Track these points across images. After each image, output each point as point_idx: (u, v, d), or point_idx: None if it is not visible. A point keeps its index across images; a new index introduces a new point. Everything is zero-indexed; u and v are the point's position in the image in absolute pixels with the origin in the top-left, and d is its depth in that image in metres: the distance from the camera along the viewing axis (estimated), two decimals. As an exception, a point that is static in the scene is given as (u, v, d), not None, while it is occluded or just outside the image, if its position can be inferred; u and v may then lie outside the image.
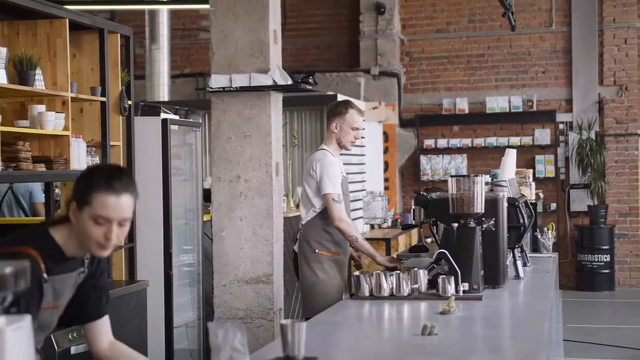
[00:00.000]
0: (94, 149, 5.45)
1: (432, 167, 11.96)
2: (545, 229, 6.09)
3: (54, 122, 4.96)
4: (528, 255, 5.22)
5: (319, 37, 12.66)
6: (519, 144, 11.59)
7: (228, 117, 5.10)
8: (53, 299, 2.62)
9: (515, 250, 4.72)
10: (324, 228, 4.99)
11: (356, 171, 9.60)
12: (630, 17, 11.69)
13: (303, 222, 5.08)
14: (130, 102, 5.81)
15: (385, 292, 3.91)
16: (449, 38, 12.19)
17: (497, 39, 12.06)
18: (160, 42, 10.90)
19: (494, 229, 4.22)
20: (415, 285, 3.94)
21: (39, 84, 4.94)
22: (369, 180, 10.23)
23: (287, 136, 8.78)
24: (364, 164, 10.00)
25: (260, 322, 5.06)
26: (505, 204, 4.40)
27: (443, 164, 11.93)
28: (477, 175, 4.11)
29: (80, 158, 5.18)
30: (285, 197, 7.84)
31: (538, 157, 11.72)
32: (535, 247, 6.15)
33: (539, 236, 6.03)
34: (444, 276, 3.90)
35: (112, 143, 5.58)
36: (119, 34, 5.80)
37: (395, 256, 5.34)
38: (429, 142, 12.02)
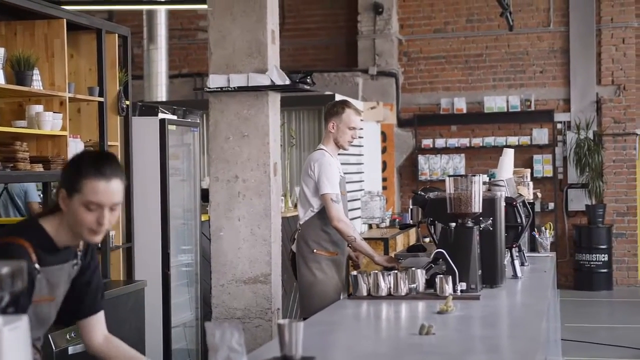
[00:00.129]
0: (92, 149, 5.45)
1: (430, 166, 11.97)
2: (543, 228, 6.10)
3: (51, 123, 4.96)
4: (526, 254, 5.22)
5: (317, 37, 12.66)
6: (517, 143, 11.60)
7: (226, 117, 5.09)
8: (48, 291, 2.62)
9: (513, 249, 4.72)
10: (322, 228, 4.99)
11: (354, 171, 9.60)
12: (628, 17, 11.70)
13: (301, 222, 5.08)
14: (128, 102, 5.81)
15: (383, 291, 3.91)
16: (447, 38, 12.20)
17: (495, 38, 12.07)
18: (158, 42, 10.90)
19: (491, 228, 4.22)
20: (412, 285, 3.94)
21: (37, 84, 4.94)
22: (367, 180, 10.23)
23: (285, 136, 8.78)
24: (362, 163, 10.01)
25: (259, 322, 5.06)
26: (503, 204, 4.40)
27: (441, 163, 11.94)
28: (474, 175, 4.11)
29: (78, 158, 5.17)
30: (283, 197, 7.84)
31: (536, 157, 11.73)
32: (533, 246, 6.16)
33: (537, 236, 6.03)
34: (441, 276, 3.90)
35: (109, 143, 5.58)
36: (116, 34, 5.80)
37: (393, 256, 5.34)
38: (427, 142, 12.03)
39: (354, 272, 4.04)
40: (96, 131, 5.48)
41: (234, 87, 5.00)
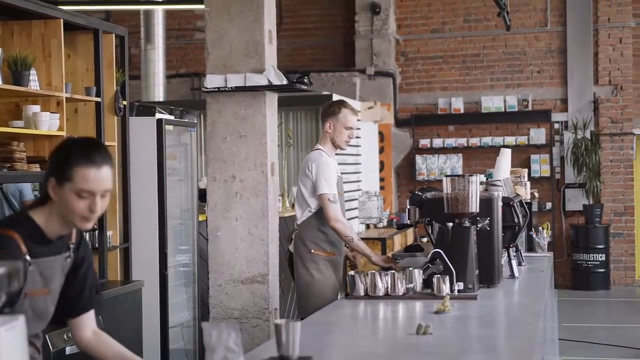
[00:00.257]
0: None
1: (428, 166, 11.97)
2: (541, 228, 6.10)
3: (48, 123, 4.96)
4: (523, 254, 5.22)
5: (314, 37, 12.66)
6: (514, 143, 11.61)
7: (223, 117, 5.10)
8: (42, 283, 2.61)
9: (510, 249, 4.72)
10: (319, 228, 4.99)
11: (352, 171, 9.60)
12: (625, 17, 11.71)
13: (298, 222, 5.08)
14: (125, 103, 5.81)
15: (380, 291, 3.91)
16: (444, 38, 12.20)
17: (492, 38, 12.08)
18: (156, 42, 10.90)
19: (488, 228, 4.22)
20: (410, 285, 3.94)
21: (34, 84, 4.94)
22: (364, 180, 10.23)
23: (283, 136, 8.78)
24: (360, 163, 10.01)
25: (256, 322, 5.06)
26: (500, 204, 4.40)
27: (438, 163, 11.95)
28: (471, 175, 4.12)
29: (75, 158, 5.17)
30: (280, 197, 7.84)
31: (533, 157, 11.74)
32: (531, 246, 6.16)
33: (534, 235, 6.04)
34: (438, 276, 3.91)
35: (107, 143, 5.58)
36: (113, 34, 5.80)
37: (390, 256, 5.34)
38: (424, 142, 12.03)
39: (352, 272, 4.04)
40: (93, 131, 5.48)
41: (231, 87, 5.00)
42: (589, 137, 11.53)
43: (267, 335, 4.92)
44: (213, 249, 5.12)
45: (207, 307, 5.28)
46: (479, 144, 11.87)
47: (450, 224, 4.05)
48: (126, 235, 5.82)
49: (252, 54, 5.03)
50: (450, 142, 11.94)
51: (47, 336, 4.28)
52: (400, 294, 3.90)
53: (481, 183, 4.45)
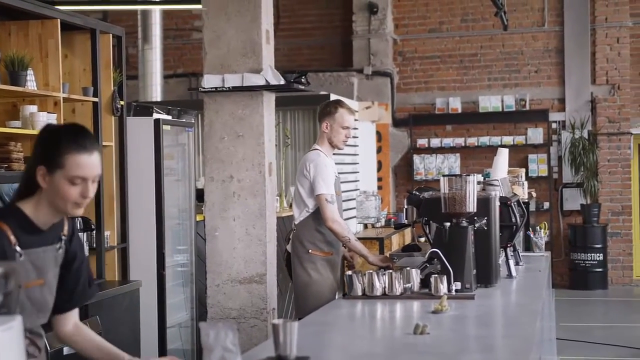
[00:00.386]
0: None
1: (426, 166, 11.97)
2: (538, 228, 6.10)
3: (45, 123, 4.95)
4: (520, 254, 5.22)
5: (312, 37, 12.66)
6: (512, 143, 11.61)
7: (221, 117, 5.10)
8: (36, 275, 2.60)
9: (508, 249, 4.72)
10: (316, 228, 5.00)
11: (349, 171, 9.60)
12: (622, 17, 11.72)
13: (296, 222, 5.08)
14: (122, 103, 5.81)
15: (378, 291, 3.91)
16: (442, 38, 12.20)
17: (489, 38, 12.09)
18: (153, 42, 10.89)
19: (486, 228, 4.22)
20: (407, 285, 3.94)
21: (31, 84, 4.94)
22: (362, 179, 10.23)
23: (280, 136, 8.78)
24: (357, 163, 10.01)
25: (254, 322, 5.06)
26: (498, 203, 4.40)
27: (436, 163, 11.95)
28: (469, 175, 4.11)
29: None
30: (278, 197, 7.84)
31: (531, 156, 11.74)
32: (528, 246, 6.16)
33: (532, 235, 6.04)
34: (436, 275, 3.91)
35: (104, 143, 5.58)
36: (111, 34, 5.79)
37: (387, 255, 5.35)
38: (422, 142, 12.03)
39: (349, 272, 4.04)
40: (91, 131, 5.47)
41: (229, 87, 5.00)
42: (587, 137, 11.54)
43: (265, 335, 4.93)
44: (211, 249, 5.12)
45: (205, 307, 5.28)
46: (476, 144, 11.87)
47: (448, 224, 4.05)
48: (124, 236, 5.82)
49: (249, 54, 5.03)
50: (448, 141, 11.95)
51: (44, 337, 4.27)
52: (398, 293, 3.90)
53: (478, 183, 4.45)
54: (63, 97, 5.16)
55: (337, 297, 4.94)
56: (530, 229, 6.23)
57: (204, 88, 5.06)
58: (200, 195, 5.85)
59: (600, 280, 11.40)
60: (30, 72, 4.94)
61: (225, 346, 2.26)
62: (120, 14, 12.37)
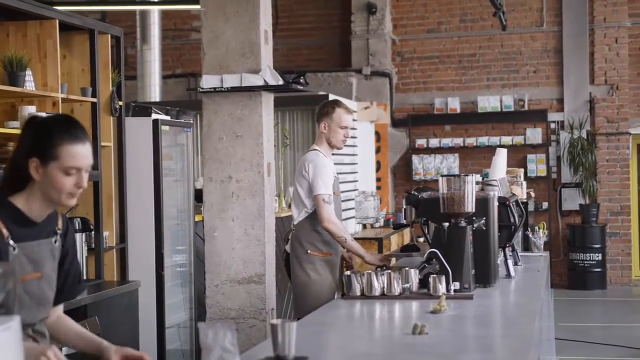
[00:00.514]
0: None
1: (424, 166, 11.98)
2: (537, 228, 6.10)
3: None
4: (519, 254, 5.22)
5: (310, 37, 12.66)
6: (510, 143, 11.61)
7: (219, 117, 5.10)
8: (32, 268, 2.60)
9: (506, 249, 4.72)
10: (315, 229, 5.00)
11: (348, 171, 9.60)
12: (621, 17, 11.73)
13: (295, 223, 5.08)
14: (121, 103, 5.81)
15: (377, 291, 3.91)
16: (441, 38, 12.21)
17: (488, 38, 12.09)
18: (152, 43, 10.89)
19: (484, 228, 4.22)
20: (406, 285, 3.94)
21: (29, 84, 4.94)
22: (361, 180, 10.24)
23: (279, 136, 8.78)
24: (356, 163, 10.01)
25: (253, 322, 5.07)
26: (496, 203, 4.41)
27: (435, 163, 11.95)
28: (467, 175, 4.12)
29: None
30: (277, 198, 7.84)
31: (530, 156, 11.75)
32: (527, 246, 6.17)
33: (530, 235, 6.04)
34: (435, 275, 3.91)
35: (103, 144, 5.58)
36: (109, 35, 5.79)
37: (385, 254, 5.35)
38: (420, 142, 12.04)
39: (348, 272, 4.04)
40: (89, 132, 5.47)
41: (228, 88, 5.01)
42: (585, 137, 11.54)
43: (264, 335, 4.93)
44: (209, 249, 5.12)
45: (204, 308, 5.28)
46: (475, 144, 11.88)
47: (447, 224, 4.05)
48: (122, 236, 5.81)
49: (248, 54, 5.03)
50: (447, 142, 11.95)
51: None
52: (397, 293, 3.90)
53: (477, 183, 4.45)
54: (61, 98, 5.16)
55: (335, 297, 4.95)
56: (529, 229, 6.24)
57: (202, 88, 5.06)
58: (199, 195, 5.85)
59: (599, 280, 11.40)
60: (28, 72, 4.93)
61: (224, 346, 2.26)
62: (119, 15, 12.37)
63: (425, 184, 10.99)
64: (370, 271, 4.00)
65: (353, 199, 9.56)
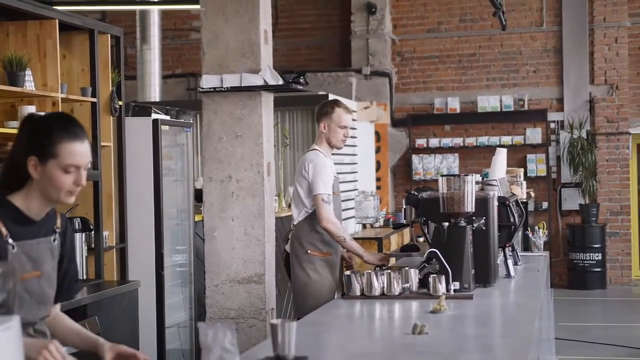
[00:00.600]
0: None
1: (424, 166, 11.98)
2: (537, 227, 6.10)
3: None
4: (519, 254, 5.22)
5: (310, 37, 12.66)
6: (510, 143, 11.61)
7: (219, 117, 5.10)
8: (32, 266, 2.60)
9: (506, 249, 4.72)
10: (315, 228, 5.00)
11: (348, 171, 9.60)
12: (621, 16, 11.73)
13: (295, 223, 5.08)
14: (121, 103, 5.81)
15: (376, 291, 3.91)
16: (440, 38, 12.21)
17: (488, 38, 12.09)
18: (152, 43, 10.89)
19: (484, 228, 4.22)
20: (406, 285, 3.94)
21: (29, 84, 4.94)
22: (360, 179, 10.24)
23: (279, 136, 8.78)
24: (356, 163, 10.01)
25: (253, 321, 5.07)
26: (496, 203, 4.41)
27: (435, 163, 11.95)
28: (467, 175, 4.12)
29: (71, 159, 5.17)
30: (277, 197, 7.84)
31: (529, 156, 11.75)
32: (527, 245, 6.17)
33: (530, 235, 6.04)
34: (434, 275, 3.91)
35: (102, 144, 5.57)
36: (109, 35, 5.79)
37: (384, 253, 5.35)
38: (420, 142, 12.04)
39: (347, 272, 4.04)
40: (89, 132, 5.47)
41: (227, 88, 5.01)
42: (585, 137, 11.54)
43: (264, 335, 4.93)
44: (209, 249, 5.12)
45: (204, 307, 5.28)
46: (475, 144, 11.88)
47: (446, 224, 4.05)
48: (122, 236, 5.81)
49: (247, 54, 5.03)
50: (447, 141, 11.95)
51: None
52: (396, 293, 3.90)
53: (477, 183, 4.45)
54: (61, 98, 5.16)
55: (335, 297, 4.94)
56: (529, 228, 6.24)
57: (202, 88, 5.06)
58: (199, 195, 5.85)
59: (598, 280, 11.40)
60: (28, 72, 4.93)
61: (223, 346, 2.26)
62: (119, 14, 12.37)
63: (425, 184, 10.99)
64: (370, 271, 4.00)
65: (353, 199, 9.56)
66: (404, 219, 4.98)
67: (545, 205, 11.69)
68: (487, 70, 12.11)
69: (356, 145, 9.95)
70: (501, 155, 5.50)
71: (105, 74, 5.66)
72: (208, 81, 5.03)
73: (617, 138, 11.72)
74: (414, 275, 3.98)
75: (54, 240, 2.69)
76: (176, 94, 12.02)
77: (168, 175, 6.32)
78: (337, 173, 5.25)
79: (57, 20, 5.15)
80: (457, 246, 4.02)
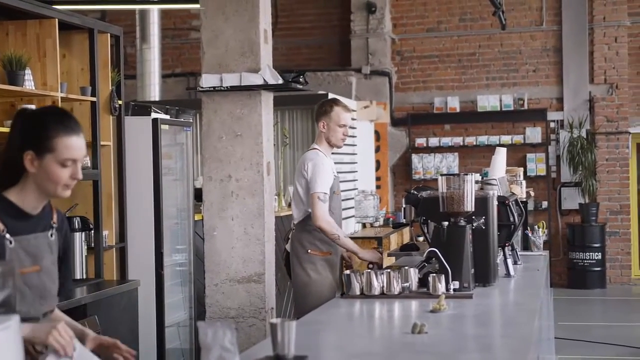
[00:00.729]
0: (86, 150, 5.44)
1: (424, 165, 11.98)
2: (536, 227, 6.10)
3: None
4: (519, 253, 5.22)
5: (310, 37, 12.66)
6: (510, 142, 11.61)
7: (219, 116, 5.10)
8: (31, 261, 2.61)
9: (506, 248, 4.72)
10: (315, 228, 4.99)
11: (348, 170, 9.60)
12: (620, 16, 11.73)
13: (295, 222, 5.08)
14: (120, 102, 5.81)
15: (376, 290, 3.91)
16: (440, 37, 12.21)
17: (487, 37, 12.09)
18: (151, 42, 10.89)
19: (484, 227, 4.22)
20: (405, 284, 3.94)
21: (29, 84, 4.94)
22: (360, 179, 10.24)
23: (279, 135, 8.78)
24: (356, 162, 10.01)
25: (252, 321, 5.07)
26: (496, 202, 4.41)
27: (435, 162, 11.95)
28: (467, 174, 4.12)
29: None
30: (276, 197, 7.84)
31: (529, 156, 11.75)
32: (526, 245, 6.17)
33: (530, 234, 6.04)
34: (434, 274, 3.91)
35: (102, 143, 5.57)
36: (109, 34, 5.79)
37: (386, 254, 5.35)
38: (420, 141, 12.04)
39: (347, 272, 4.04)
40: (89, 131, 5.47)
41: (227, 87, 5.01)
42: (585, 136, 11.54)
43: (264, 334, 4.93)
44: (209, 248, 5.12)
45: (204, 307, 5.28)
46: (475, 143, 11.88)
47: (446, 223, 4.05)
48: (122, 235, 5.81)
49: (247, 53, 5.04)
50: (446, 141, 11.95)
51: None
52: (396, 293, 3.90)
53: (477, 182, 4.45)
54: (61, 97, 5.16)
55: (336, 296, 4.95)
56: (529, 228, 6.24)
57: (202, 87, 5.06)
58: (198, 194, 5.85)
59: (598, 279, 11.40)
60: (28, 71, 4.93)
61: (223, 345, 2.26)
62: (119, 14, 12.36)
63: (425, 183, 10.98)
64: (369, 270, 4.01)
65: (353, 198, 9.56)
66: (404, 218, 5.00)
67: (544, 204, 11.69)
68: (487, 69, 12.11)
69: (356, 145, 9.95)
70: (501, 155, 5.51)
71: (104, 73, 5.66)
72: (208, 80, 5.03)
73: (616, 137, 11.72)
74: (414, 275, 3.98)
75: (52, 236, 2.70)
76: (176, 93, 12.02)
77: (168, 174, 6.32)
78: (337, 172, 5.25)
79: (56, 20, 5.15)
80: (457, 245, 4.02)
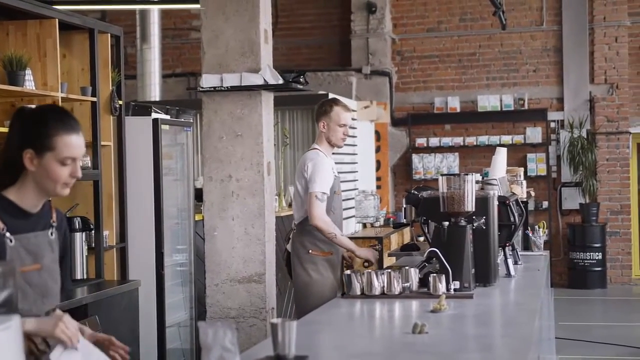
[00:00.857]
0: (85, 149, 5.44)
1: (424, 165, 11.98)
2: (537, 227, 6.10)
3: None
4: (519, 253, 5.23)
5: (310, 37, 12.66)
6: (510, 142, 11.61)
7: (219, 116, 5.10)
8: (31, 260, 2.61)
9: (506, 248, 4.72)
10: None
11: (348, 170, 9.61)
12: (621, 16, 11.73)
13: (296, 222, 5.08)
14: (121, 102, 5.81)
15: (377, 290, 3.91)
16: (440, 37, 12.21)
17: (488, 37, 12.09)
18: (152, 42, 10.89)
19: (484, 227, 4.22)
20: (406, 284, 3.94)
21: (29, 84, 4.94)
22: (361, 179, 10.24)
23: (279, 135, 8.79)
24: (356, 162, 10.02)
25: (253, 321, 5.07)
26: (496, 202, 4.41)
27: (435, 162, 11.95)
28: (467, 174, 4.11)
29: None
30: (277, 197, 7.84)
31: (530, 156, 11.75)
32: (527, 245, 6.16)
33: (530, 234, 6.04)
34: (435, 275, 3.91)
35: (102, 143, 5.57)
36: (109, 34, 5.79)
37: (387, 255, 5.35)
38: (420, 141, 12.04)
39: (348, 272, 4.04)
40: (89, 131, 5.47)
41: (227, 87, 5.01)
42: (585, 136, 11.54)
43: (264, 334, 4.93)
44: (210, 248, 5.12)
45: (204, 307, 5.28)
46: (475, 143, 11.88)
47: (446, 223, 4.05)
48: (122, 235, 5.81)
49: (247, 53, 5.04)
50: (447, 141, 11.95)
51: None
52: (397, 293, 3.90)
53: (477, 182, 4.45)
54: (61, 97, 5.16)
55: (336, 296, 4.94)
56: (529, 228, 6.23)
57: (202, 88, 5.06)
58: (199, 194, 5.85)
59: (599, 279, 11.40)
60: (28, 71, 4.93)
61: (224, 345, 2.26)
62: (119, 14, 12.37)
63: (425, 183, 10.98)
64: (370, 270, 4.01)
65: (353, 198, 9.56)
66: (404, 218, 5.00)
67: (545, 204, 11.69)
68: (487, 69, 12.11)
69: (356, 145, 9.95)
70: (501, 155, 5.50)
71: (105, 73, 5.66)
72: (208, 80, 5.03)
73: (617, 137, 11.72)
74: (414, 275, 3.98)
75: (52, 234, 2.70)
76: (176, 93, 12.02)
77: (168, 174, 6.32)
78: (338, 172, 5.24)
79: (57, 20, 5.15)
80: (457, 245, 4.02)
